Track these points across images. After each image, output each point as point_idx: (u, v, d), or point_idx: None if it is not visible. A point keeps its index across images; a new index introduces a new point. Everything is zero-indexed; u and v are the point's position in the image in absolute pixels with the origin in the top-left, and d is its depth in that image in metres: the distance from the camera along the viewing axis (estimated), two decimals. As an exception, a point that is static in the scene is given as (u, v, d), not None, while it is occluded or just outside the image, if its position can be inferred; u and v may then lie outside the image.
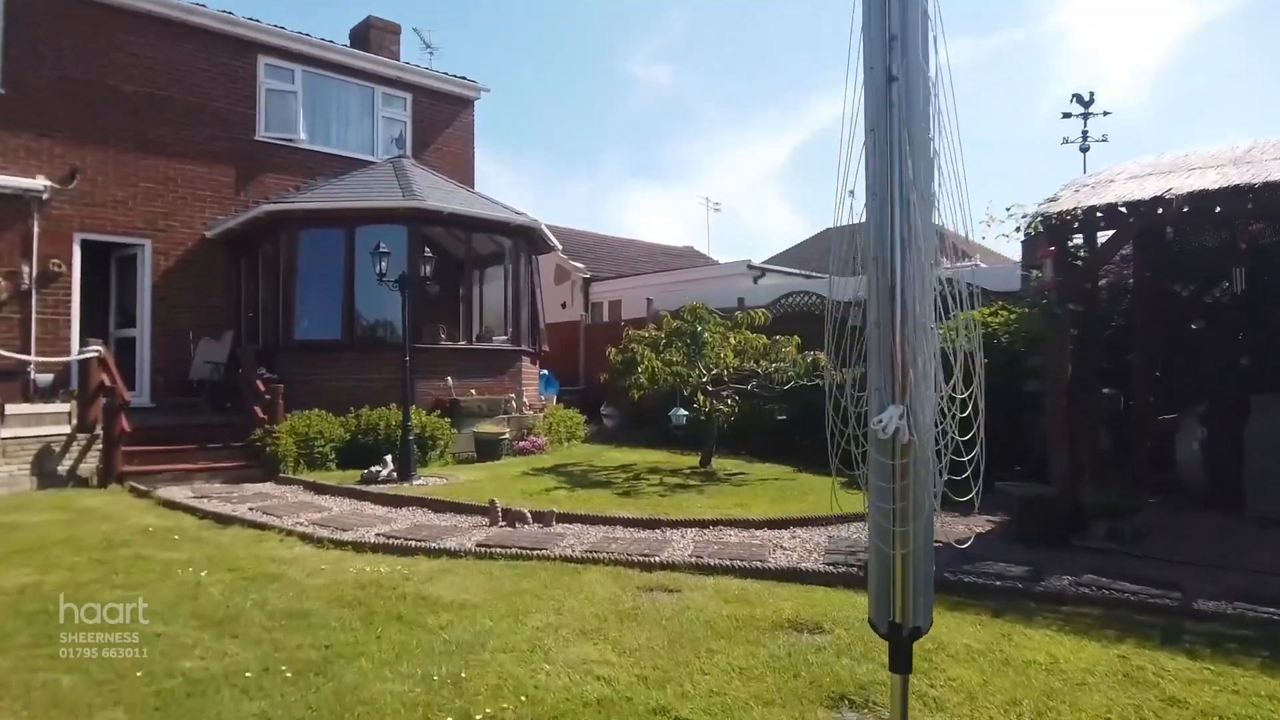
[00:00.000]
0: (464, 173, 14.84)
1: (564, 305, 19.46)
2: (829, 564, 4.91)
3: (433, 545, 5.26)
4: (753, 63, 72.37)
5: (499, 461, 9.86)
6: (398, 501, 7.06)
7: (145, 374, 11.45)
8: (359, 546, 5.32)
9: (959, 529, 6.17)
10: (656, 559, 4.91)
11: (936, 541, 6.14)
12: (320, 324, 10.49)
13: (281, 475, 8.49)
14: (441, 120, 15.00)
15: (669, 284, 16.55)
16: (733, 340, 8.50)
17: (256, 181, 12.47)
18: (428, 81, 14.62)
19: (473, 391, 10.59)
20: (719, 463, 9.22)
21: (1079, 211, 5.48)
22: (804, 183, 71.42)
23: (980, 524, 6.38)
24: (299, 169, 12.77)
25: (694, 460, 9.29)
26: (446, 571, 4.74)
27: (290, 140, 12.87)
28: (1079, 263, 5.93)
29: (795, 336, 8.64)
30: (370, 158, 13.26)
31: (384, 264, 8.42)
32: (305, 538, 5.56)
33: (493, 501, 6.20)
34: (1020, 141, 66.77)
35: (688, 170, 71.22)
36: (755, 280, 15.57)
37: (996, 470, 9.01)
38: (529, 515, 6.08)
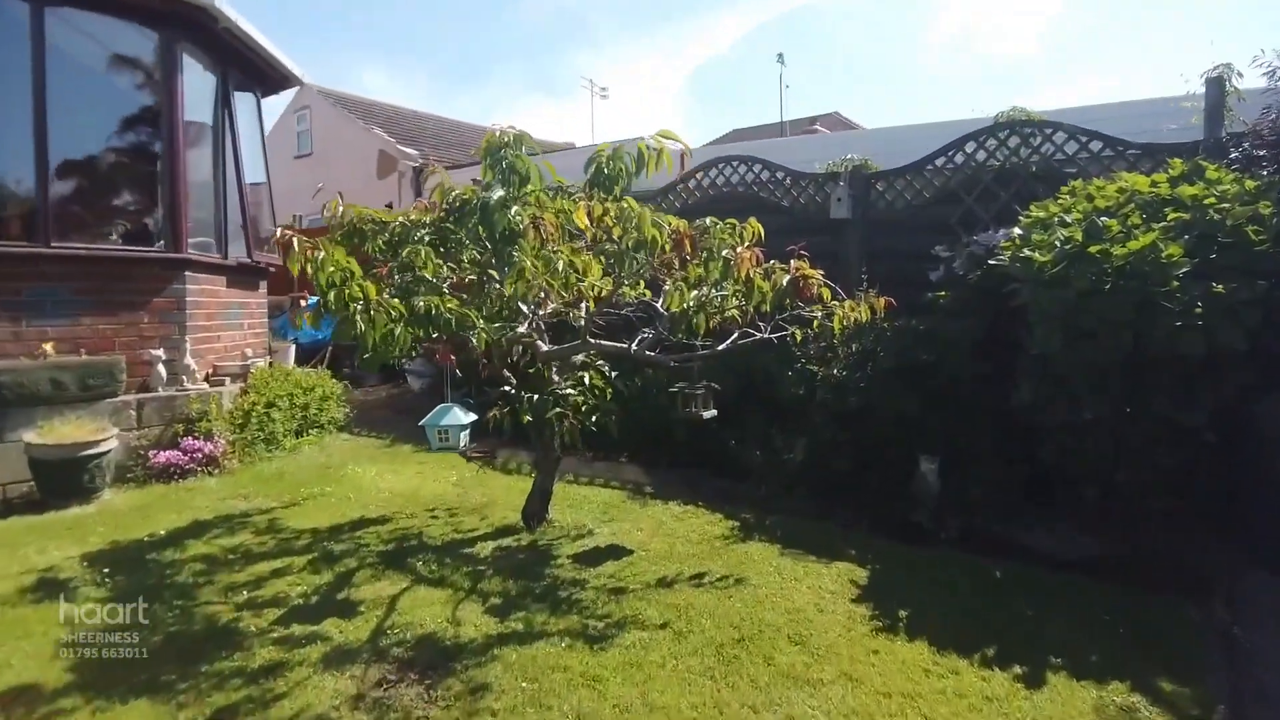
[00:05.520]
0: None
1: (390, 205, 13.78)
2: None
3: None
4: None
5: (81, 509, 4.36)
6: None
7: None
8: None
9: None
10: None
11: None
12: None
13: None
14: None
15: (529, 170, 11.05)
16: (585, 219, 3.12)
17: None
18: None
19: (47, 347, 4.90)
20: (567, 501, 4.15)
21: None
22: (702, 106, 65.59)
23: None
24: None
25: (516, 499, 4.15)
26: None
27: None
28: None
29: (753, 222, 3.49)
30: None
31: None
32: None
33: None
34: None
35: (580, 87, 63.89)
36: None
37: (1210, 539, 2.63)
38: None
